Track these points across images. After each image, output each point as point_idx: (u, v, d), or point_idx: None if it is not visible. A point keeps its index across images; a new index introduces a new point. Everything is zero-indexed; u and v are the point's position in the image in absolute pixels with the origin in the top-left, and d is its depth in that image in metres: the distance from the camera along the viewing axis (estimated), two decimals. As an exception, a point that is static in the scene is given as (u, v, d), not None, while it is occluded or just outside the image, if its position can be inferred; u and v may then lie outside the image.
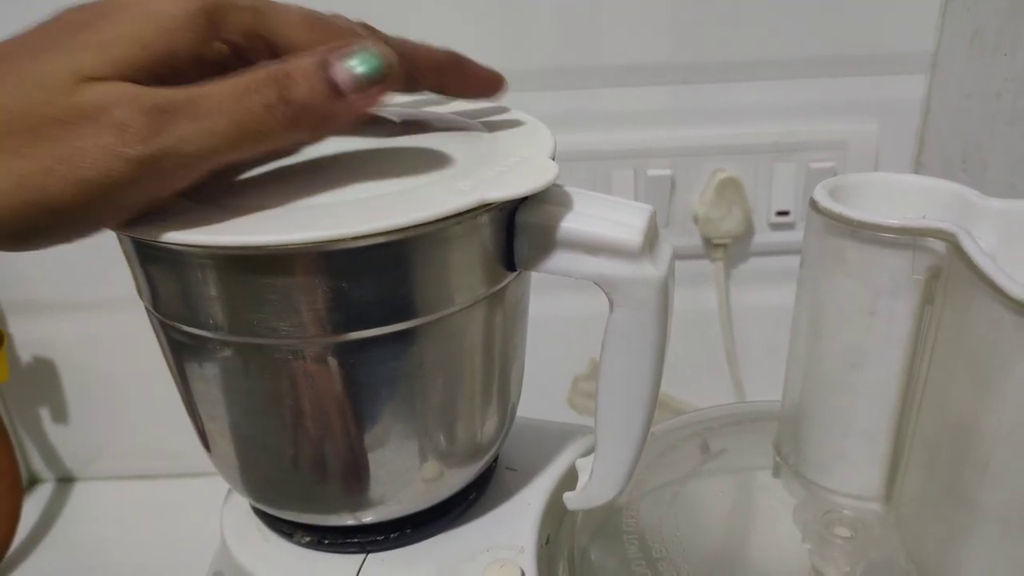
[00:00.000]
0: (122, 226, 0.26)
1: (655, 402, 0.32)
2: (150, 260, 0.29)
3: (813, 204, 0.33)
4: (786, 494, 0.37)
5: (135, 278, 0.30)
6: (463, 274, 0.30)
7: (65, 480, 0.75)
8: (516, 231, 0.30)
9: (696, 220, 0.64)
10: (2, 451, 0.66)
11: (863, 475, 0.34)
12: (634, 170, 0.63)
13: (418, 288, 0.28)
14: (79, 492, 0.74)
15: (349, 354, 0.29)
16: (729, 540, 0.37)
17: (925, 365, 0.32)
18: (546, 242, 0.30)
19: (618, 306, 0.30)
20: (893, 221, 0.30)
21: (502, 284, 0.31)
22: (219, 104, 0.24)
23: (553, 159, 0.31)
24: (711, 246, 0.65)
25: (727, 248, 0.64)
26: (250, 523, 0.36)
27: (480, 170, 0.29)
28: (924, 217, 0.30)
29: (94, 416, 0.73)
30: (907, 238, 0.30)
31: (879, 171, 0.63)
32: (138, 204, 0.25)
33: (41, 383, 0.71)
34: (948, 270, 0.30)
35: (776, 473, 0.37)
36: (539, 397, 0.46)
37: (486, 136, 0.33)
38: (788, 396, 0.36)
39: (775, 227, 0.65)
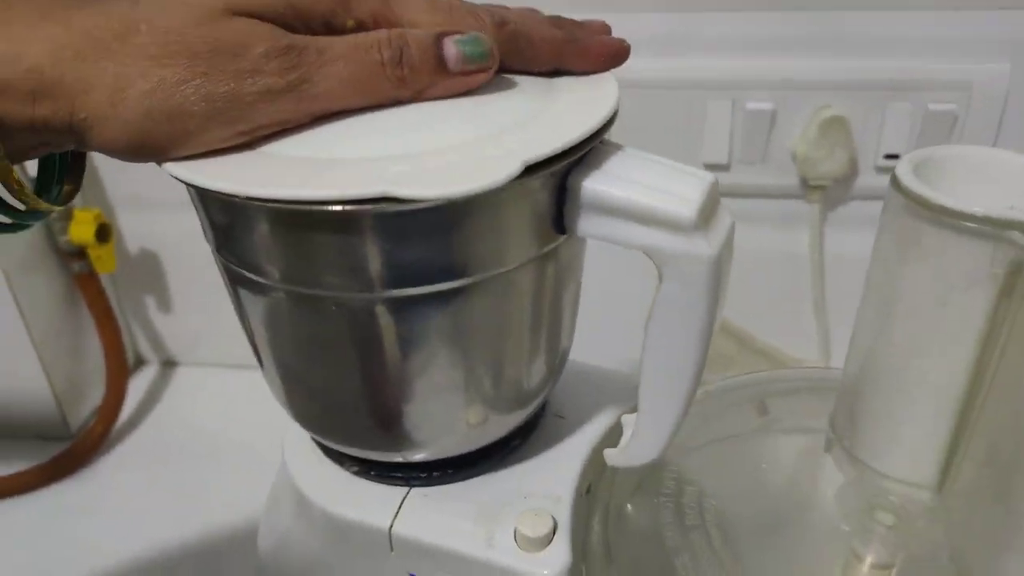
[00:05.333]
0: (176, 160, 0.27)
1: (700, 374, 0.31)
2: (206, 203, 0.30)
3: (894, 180, 0.31)
4: (834, 471, 0.36)
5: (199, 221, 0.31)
6: (513, 236, 0.29)
7: (169, 364, 0.81)
8: (567, 194, 0.29)
9: (794, 158, 0.61)
10: (109, 334, 0.71)
11: (917, 463, 0.33)
12: (732, 101, 0.59)
13: (466, 249, 0.28)
14: (181, 376, 0.79)
15: (398, 309, 0.29)
16: (767, 512, 0.37)
17: (995, 361, 0.30)
18: (596, 209, 0.29)
19: (667, 280, 0.29)
20: (976, 209, 0.28)
21: (554, 245, 0.31)
22: (343, 52, 0.27)
23: (612, 118, 0.30)
24: (808, 187, 0.61)
25: (826, 190, 0.61)
26: (308, 445, 0.38)
27: (531, 125, 0.28)
28: (1012, 207, 0.28)
29: (196, 307, 0.77)
30: (990, 228, 0.28)
31: (1007, 117, 0.58)
32: (243, 133, 0.27)
33: (147, 274, 0.75)
34: (1032, 266, 0.28)
35: (828, 448, 0.36)
36: (604, 332, 0.46)
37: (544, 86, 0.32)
38: (849, 371, 0.35)
39: (881, 171, 0.61)
